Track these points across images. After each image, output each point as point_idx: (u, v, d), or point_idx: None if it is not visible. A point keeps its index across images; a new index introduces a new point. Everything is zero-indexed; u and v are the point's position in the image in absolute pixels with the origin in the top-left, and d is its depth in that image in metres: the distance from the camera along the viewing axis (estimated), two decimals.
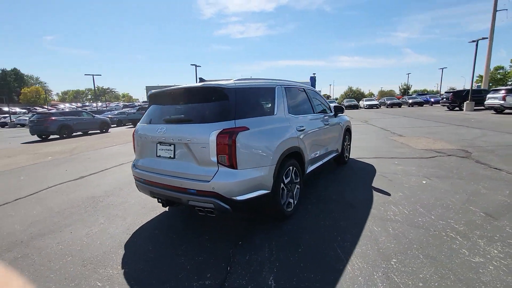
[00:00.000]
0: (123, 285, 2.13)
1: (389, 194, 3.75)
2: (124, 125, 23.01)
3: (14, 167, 6.92)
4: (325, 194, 3.88)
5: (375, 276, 2.07)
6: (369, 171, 4.97)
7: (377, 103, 32.20)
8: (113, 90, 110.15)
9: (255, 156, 2.63)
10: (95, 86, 40.08)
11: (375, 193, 3.83)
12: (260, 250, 2.53)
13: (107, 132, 17.12)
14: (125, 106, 40.90)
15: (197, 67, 23.50)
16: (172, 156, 2.72)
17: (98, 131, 16.76)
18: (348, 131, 5.60)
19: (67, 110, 23.18)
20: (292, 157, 3.23)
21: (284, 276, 2.14)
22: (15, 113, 33.59)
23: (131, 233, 3.02)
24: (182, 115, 2.81)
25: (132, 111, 24.09)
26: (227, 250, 2.55)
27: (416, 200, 3.50)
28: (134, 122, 20.58)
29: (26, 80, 72.01)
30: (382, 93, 58.58)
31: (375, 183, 4.24)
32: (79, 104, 60.07)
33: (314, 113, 4.11)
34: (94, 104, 48.37)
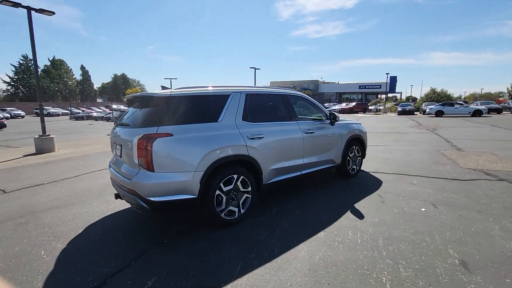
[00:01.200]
0: (53, 257, 2.54)
1: (361, 219, 3.21)
2: None
3: (83, 154, 8.75)
4: (289, 208, 3.61)
5: None
6: (369, 187, 4.31)
7: (412, 108, 27.75)
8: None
9: (177, 161, 2.71)
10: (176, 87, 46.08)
11: (347, 214, 3.34)
12: (171, 251, 2.60)
13: None
14: None
15: (256, 70, 24.49)
16: (120, 155, 3.08)
17: None
18: (357, 142, 4.96)
19: None
20: (238, 165, 3.15)
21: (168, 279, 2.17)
22: (119, 109, 41.81)
23: (100, 218, 3.53)
24: (125, 120, 3.14)
25: None
26: (143, 246, 2.71)
27: (385, 231, 2.89)
28: None
29: (130, 83, 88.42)
30: (481, 96, 47.73)
31: (361, 203, 3.68)
32: None
33: (291, 121, 3.85)
34: None
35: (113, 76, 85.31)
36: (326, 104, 46.31)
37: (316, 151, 4.15)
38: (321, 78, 78.47)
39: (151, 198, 2.62)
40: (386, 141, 9.37)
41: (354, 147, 4.91)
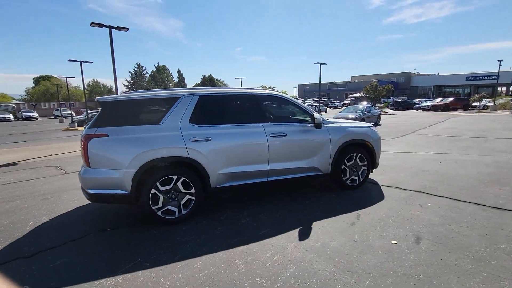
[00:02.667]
0: (38, 228, 3.22)
1: (301, 240, 2.74)
2: None
3: None
4: (238, 216, 3.39)
5: None
6: (357, 204, 3.58)
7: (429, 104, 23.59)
8: (273, 88, 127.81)
9: (110, 159, 2.95)
10: (262, 85, 48.61)
11: (293, 232, 2.90)
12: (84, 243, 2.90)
13: None
14: None
15: (321, 65, 23.09)
16: None
17: None
18: (359, 148, 4.16)
19: None
20: (179, 166, 3.19)
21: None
22: None
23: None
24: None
25: None
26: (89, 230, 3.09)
27: (310, 260, 2.38)
28: None
29: (216, 83, 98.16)
30: None
31: (323, 222, 3.12)
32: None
33: (253, 123, 3.56)
34: None
35: (202, 77, 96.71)
36: (416, 100, 39.40)
37: (289, 157, 3.73)
38: (415, 69, 67.12)
39: (89, 190, 2.99)
40: (451, 148, 7.41)
41: (354, 154, 4.13)
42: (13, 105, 42.85)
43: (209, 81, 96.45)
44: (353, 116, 14.10)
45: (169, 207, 3.16)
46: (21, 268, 2.41)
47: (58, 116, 32.48)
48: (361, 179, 4.26)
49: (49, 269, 2.37)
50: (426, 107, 31.08)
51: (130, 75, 74.85)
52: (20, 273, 2.32)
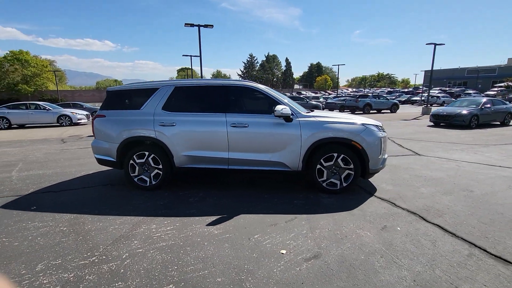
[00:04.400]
0: (72, 178, 4.80)
1: (209, 226, 2.88)
2: (343, 110, 24.38)
3: None
4: (193, 195, 3.74)
5: None
6: (317, 209, 3.23)
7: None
8: (392, 75, 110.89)
9: (104, 134, 3.96)
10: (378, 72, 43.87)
11: (208, 218, 3.07)
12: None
13: None
14: (389, 92, 40.28)
15: (436, 45, 18.05)
16: None
17: None
18: (344, 148, 3.60)
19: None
20: (149, 145, 3.88)
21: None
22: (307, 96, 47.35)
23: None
24: None
25: (350, 98, 24.35)
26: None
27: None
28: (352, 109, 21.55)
29: (323, 70, 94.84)
30: None
31: (247, 218, 3.10)
32: (349, 90, 68.96)
33: (217, 112, 3.74)
34: (366, 90, 54.11)
35: (309, 65, 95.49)
36: None
37: (250, 148, 3.72)
38: None
39: (95, 155, 4.15)
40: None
41: (335, 154, 3.62)
42: None
43: (316, 68, 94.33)
44: (463, 112, 10.90)
45: (142, 176, 3.94)
46: (48, 197, 3.77)
47: None
48: (344, 184, 3.69)
49: (65, 201, 3.61)
50: None
51: (243, 65, 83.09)
52: (46, 200, 3.65)
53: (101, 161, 4.16)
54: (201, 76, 14.05)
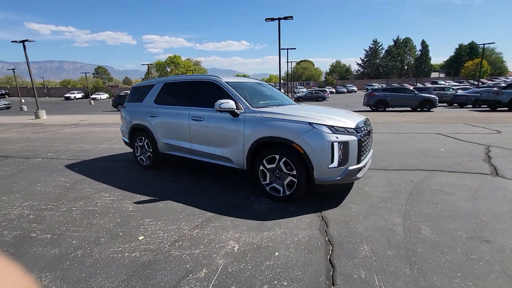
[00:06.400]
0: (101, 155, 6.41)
1: (140, 203, 3.37)
2: (478, 106, 17.89)
3: None
4: (170, 179, 4.28)
5: None
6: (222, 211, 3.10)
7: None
8: None
9: (124, 120, 5.11)
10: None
11: (151, 204, 3.53)
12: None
13: (429, 111, 16.05)
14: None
15: None
16: None
17: (418, 108, 16.40)
18: (288, 150, 3.12)
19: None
20: (145, 131, 4.71)
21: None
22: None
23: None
24: None
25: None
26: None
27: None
28: (490, 104, 15.73)
29: (479, 53, 71.46)
30: None
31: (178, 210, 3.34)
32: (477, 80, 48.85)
33: (184, 106, 4.11)
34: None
35: (457, 46, 74.29)
36: None
37: (205, 141, 3.87)
38: None
39: (123, 138, 5.45)
40: None
41: (276, 156, 3.23)
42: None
43: (468, 50, 72.25)
44: None
45: (141, 157, 4.90)
46: (76, 166, 5.38)
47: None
48: (287, 193, 3.22)
49: (95, 168, 5.14)
50: None
51: (365, 52, 74.81)
52: (75, 168, 5.26)
53: (125, 142, 5.44)
54: (279, 67, 14.37)
